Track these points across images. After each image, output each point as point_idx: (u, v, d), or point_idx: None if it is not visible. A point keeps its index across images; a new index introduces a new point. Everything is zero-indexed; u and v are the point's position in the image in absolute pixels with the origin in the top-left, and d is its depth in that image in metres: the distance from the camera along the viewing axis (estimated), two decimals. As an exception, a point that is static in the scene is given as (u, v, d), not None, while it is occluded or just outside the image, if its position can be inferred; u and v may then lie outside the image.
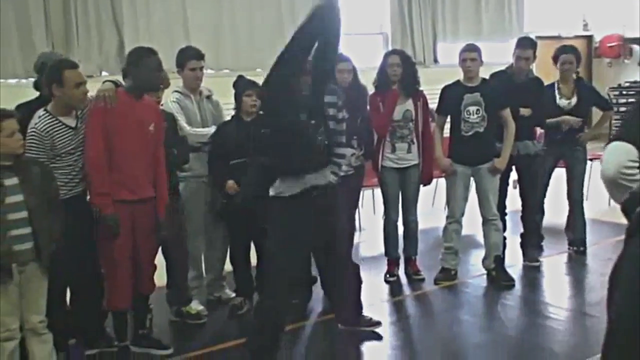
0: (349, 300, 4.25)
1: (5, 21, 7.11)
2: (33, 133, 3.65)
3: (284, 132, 3.74)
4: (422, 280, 5.24)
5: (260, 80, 4.34)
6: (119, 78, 4.15)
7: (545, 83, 5.57)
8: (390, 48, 9.36)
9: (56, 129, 3.70)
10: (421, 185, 5.23)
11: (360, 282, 4.42)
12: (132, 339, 4.14)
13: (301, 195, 3.73)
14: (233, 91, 4.63)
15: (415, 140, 5.07)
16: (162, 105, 4.42)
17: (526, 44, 5.35)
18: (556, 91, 5.60)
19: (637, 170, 2.14)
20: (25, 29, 7.22)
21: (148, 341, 4.13)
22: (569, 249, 5.89)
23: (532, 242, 5.66)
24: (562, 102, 5.57)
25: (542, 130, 5.86)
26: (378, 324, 4.38)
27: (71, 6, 7.43)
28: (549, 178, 5.73)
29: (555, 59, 5.63)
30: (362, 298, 4.54)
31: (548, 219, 5.95)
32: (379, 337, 4.29)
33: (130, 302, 4.00)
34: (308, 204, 3.75)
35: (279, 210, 3.78)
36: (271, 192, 3.80)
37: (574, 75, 5.65)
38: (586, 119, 5.68)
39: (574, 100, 5.58)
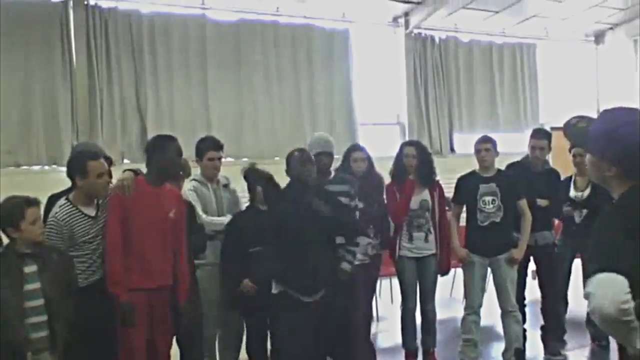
0: None
1: (31, 108, 7.29)
2: (52, 222, 3.70)
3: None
4: (441, 372, 5.12)
5: (281, 168, 4.45)
6: (142, 165, 4.21)
7: (562, 173, 5.58)
8: (407, 138, 9.49)
9: (75, 219, 3.75)
10: (439, 275, 5.19)
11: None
12: None
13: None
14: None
15: (432, 230, 5.07)
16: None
17: (541, 134, 5.40)
18: (572, 183, 5.61)
19: (632, 303, 1.97)
20: (50, 116, 7.39)
21: None
22: (591, 343, 5.75)
23: (553, 335, 5.54)
24: (574, 193, 5.56)
25: (559, 221, 5.83)
26: None
27: (97, 95, 7.64)
28: (570, 269, 5.65)
29: (570, 150, 5.66)
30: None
31: (570, 311, 5.82)
32: None
33: None
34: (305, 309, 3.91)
35: (279, 307, 3.96)
36: (273, 290, 3.99)
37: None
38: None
39: (586, 192, 5.56)
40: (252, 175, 4.63)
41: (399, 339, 5.29)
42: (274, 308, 4.09)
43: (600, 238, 2.16)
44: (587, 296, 2.01)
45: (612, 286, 1.97)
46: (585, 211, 5.50)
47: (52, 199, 3.98)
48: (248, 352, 4.67)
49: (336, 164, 4.90)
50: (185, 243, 4.08)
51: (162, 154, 3.91)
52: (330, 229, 4.10)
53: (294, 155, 4.14)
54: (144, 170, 4.06)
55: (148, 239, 3.84)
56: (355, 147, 5.08)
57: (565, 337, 5.74)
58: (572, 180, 5.62)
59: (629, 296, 1.96)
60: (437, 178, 5.22)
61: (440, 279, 5.24)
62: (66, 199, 3.82)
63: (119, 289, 3.75)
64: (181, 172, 4.26)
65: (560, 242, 5.58)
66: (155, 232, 3.87)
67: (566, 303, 5.71)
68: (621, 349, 2.11)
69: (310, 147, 4.63)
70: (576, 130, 3.30)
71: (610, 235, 2.12)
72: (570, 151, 5.64)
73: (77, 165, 3.77)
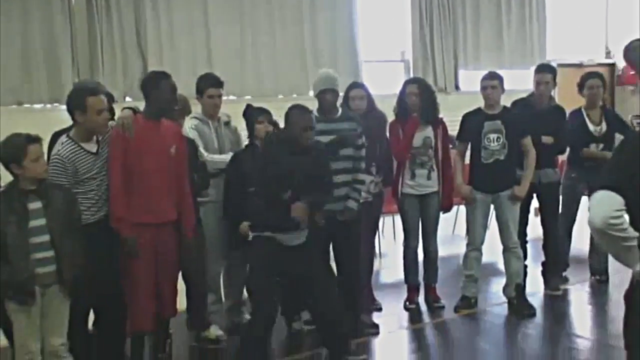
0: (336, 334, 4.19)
1: (32, 47, 7.24)
2: (56, 159, 3.71)
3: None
4: (442, 308, 5.20)
5: (283, 106, 4.42)
6: (142, 104, 4.19)
7: (568, 111, 5.55)
8: (411, 75, 9.39)
9: (78, 155, 3.76)
10: (441, 212, 5.21)
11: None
12: None
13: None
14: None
15: (435, 167, 5.06)
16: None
17: (545, 69, 5.36)
18: (585, 117, 5.57)
19: (624, 219, 2.16)
20: (51, 54, 7.34)
21: None
22: (591, 277, 5.82)
23: (553, 271, 5.60)
24: (591, 127, 5.53)
25: (564, 158, 5.82)
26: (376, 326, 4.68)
27: (97, 33, 7.54)
28: (578, 205, 5.67)
29: (580, 85, 5.61)
30: (382, 326, 4.52)
31: (572, 247, 5.88)
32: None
33: (153, 326, 4.00)
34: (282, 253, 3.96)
35: (254, 244, 4.05)
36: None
37: (600, 102, 5.63)
38: (612, 145, 5.62)
39: (603, 126, 5.54)
40: (252, 113, 4.60)
41: (401, 275, 5.36)
42: (251, 249, 4.13)
43: (615, 157, 2.37)
44: (588, 210, 2.22)
45: (606, 202, 2.17)
46: (602, 145, 5.49)
47: (55, 137, 3.98)
48: (248, 288, 4.74)
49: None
50: (188, 179, 4.08)
51: (157, 90, 3.91)
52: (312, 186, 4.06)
53: (295, 116, 4.01)
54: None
55: (150, 174, 3.87)
56: (354, 85, 5.03)
57: (567, 272, 5.82)
58: (585, 114, 5.58)
59: (620, 213, 2.14)
60: (441, 115, 5.18)
61: (442, 216, 5.27)
62: (67, 136, 3.82)
63: (122, 224, 3.80)
64: (176, 108, 4.21)
65: (571, 178, 5.58)
66: (157, 168, 3.89)
67: (570, 239, 5.76)
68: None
69: (315, 84, 4.60)
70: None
71: (625, 157, 2.32)
72: (580, 85, 5.58)
73: (77, 100, 3.76)
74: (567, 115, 5.53)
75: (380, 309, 5.18)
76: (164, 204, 3.94)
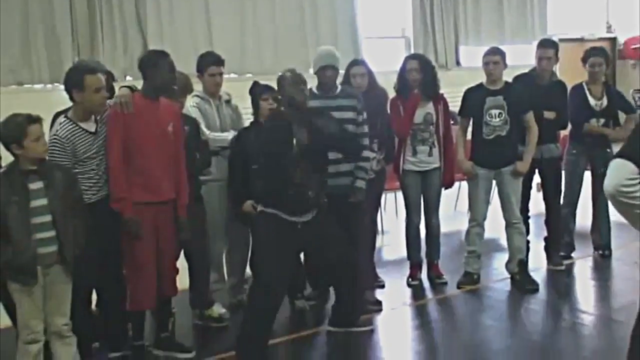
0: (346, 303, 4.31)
1: (32, 27, 7.19)
2: (55, 139, 3.70)
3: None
4: (445, 284, 5.21)
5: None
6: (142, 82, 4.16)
7: (570, 86, 5.52)
8: (412, 51, 9.35)
9: (77, 135, 3.74)
10: (443, 189, 5.21)
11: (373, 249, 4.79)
12: (154, 342, 4.18)
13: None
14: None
15: (436, 144, 5.05)
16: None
17: (547, 44, 5.33)
18: (587, 92, 5.54)
19: (637, 187, 2.23)
20: (51, 34, 7.30)
21: (170, 344, 4.16)
22: (594, 252, 5.83)
23: (556, 246, 5.60)
24: (592, 102, 5.51)
25: (567, 133, 5.80)
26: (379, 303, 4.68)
27: (96, 12, 7.51)
28: (581, 181, 5.65)
29: (584, 60, 5.57)
30: (385, 302, 4.53)
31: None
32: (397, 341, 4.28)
33: (154, 304, 4.02)
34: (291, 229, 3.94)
35: (262, 221, 4.02)
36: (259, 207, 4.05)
37: (602, 78, 5.60)
38: (615, 120, 5.61)
39: (604, 101, 5.52)
40: (257, 90, 4.58)
41: (403, 252, 5.37)
42: (259, 226, 4.12)
43: (637, 128, 2.42)
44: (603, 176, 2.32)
45: (620, 170, 2.26)
46: (602, 120, 5.48)
47: (57, 117, 3.95)
48: (251, 267, 4.75)
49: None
50: (184, 157, 4.07)
51: (155, 68, 3.88)
52: (327, 147, 4.06)
53: (285, 76, 4.02)
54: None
55: (148, 153, 3.85)
56: (354, 62, 4.99)
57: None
58: (587, 88, 5.55)
59: (632, 182, 2.22)
60: (442, 91, 5.15)
61: (444, 192, 5.26)
62: (65, 116, 3.80)
63: (123, 204, 3.79)
64: (176, 87, 4.19)
65: (574, 154, 5.57)
66: (155, 146, 3.86)
67: (574, 217, 5.74)
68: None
69: (315, 61, 4.57)
70: None
71: (638, 127, 2.42)
72: (583, 60, 5.55)
73: (74, 79, 3.73)
74: (569, 90, 5.51)
75: (383, 286, 5.20)
76: (162, 183, 3.92)
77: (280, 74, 4.10)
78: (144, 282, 3.90)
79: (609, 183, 2.28)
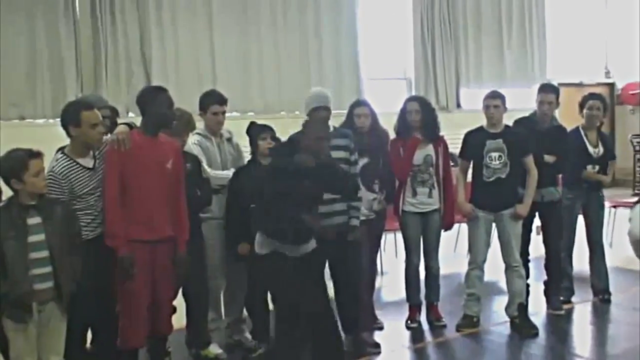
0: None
1: (37, 62, 7.26)
2: (50, 176, 3.67)
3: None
4: (444, 326, 5.16)
5: (286, 123, 4.43)
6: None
7: (568, 129, 5.56)
8: (413, 93, 9.43)
9: (73, 171, 3.74)
10: (442, 230, 5.20)
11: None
12: None
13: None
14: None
15: (436, 185, 5.05)
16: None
17: (549, 89, 5.37)
18: (584, 138, 5.57)
19: None
20: (55, 69, 7.36)
21: None
22: (593, 297, 5.79)
23: (556, 290, 5.57)
24: (591, 149, 5.54)
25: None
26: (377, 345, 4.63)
27: (101, 48, 7.60)
28: (575, 226, 5.66)
29: (581, 105, 5.61)
30: (383, 344, 4.48)
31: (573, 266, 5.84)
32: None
33: (143, 342, 3.97)
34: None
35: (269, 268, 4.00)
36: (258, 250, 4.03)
37: (598, 123, 5.64)
38: (606, 168, 5.64)
39: (600, 149, 5.56)
40: (255, 130, 4.60)
41: (403, 293, 5.32)
42: (264, 269, 4.08)
43: None
44: (629, 221, 2.36)
45: None
46: (597, 167, 5.51)
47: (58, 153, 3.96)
48: (248, 304, 4.72)
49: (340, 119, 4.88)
50: (184, 194, 4.06)
51: (153, 104, 3.89)
52: (324, 187, 4.06)
53: (313, 125, 4.08)
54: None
55: (146, 190, 3.84)
56: (358, 103, 5.02)
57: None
58: (584, 134, 5.58)
59: None
60: (442, 133, 5.17)
61: (444, 234, 5.25)
62: (62, 152, 3.80)
63: (117, 242, 3.76)
64: (175, 122, 4.19)
65: (569, 198, 5.58)
66: (153, 183, 3.86)
67: (571, 262, 5.72)
68: None
69: (307, 102, 4.55)
70: None
71: None
72: (581, 105, 5.59)
73: (71, 115, 3.74)
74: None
75: (381, 328, 5.15)
76: (160, 220, 3.90)
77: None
78: (134, 320, 3.86)
79: (635, 228, 2.31)
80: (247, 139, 4.75)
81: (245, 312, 4.86)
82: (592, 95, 5.68)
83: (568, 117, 5.73)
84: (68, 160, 3.76)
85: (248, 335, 4.87)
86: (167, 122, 4.01)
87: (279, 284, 3.98)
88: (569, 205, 5.57)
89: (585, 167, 5.55)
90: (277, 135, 4.63)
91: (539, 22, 11.05)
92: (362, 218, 4.68)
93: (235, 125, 5.01)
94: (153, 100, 3.91)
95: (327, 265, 4.52)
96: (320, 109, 4.46)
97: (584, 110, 5.59)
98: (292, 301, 3.90)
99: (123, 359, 4.03)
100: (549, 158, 5.24)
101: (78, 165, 3.77)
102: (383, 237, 5.53)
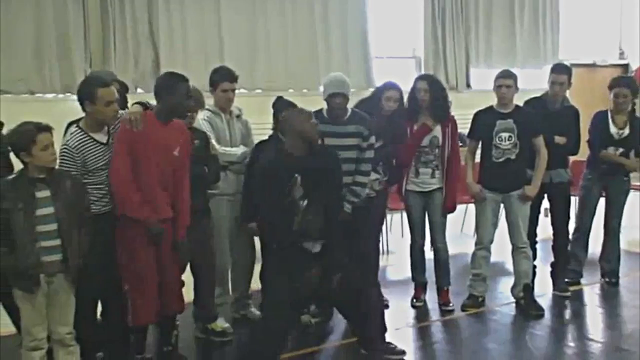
0: (372, 324, 4.19)
1: (44, 37, 7.25)
2: (65, 149, 3.71)
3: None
4: (452, 311, 5.13)
5: (294, 101, 4.41)
6: (152, 96, 4.14)
7: (583, 110, 5.49)
8: (422, 72, 9.35)
9: (87, 146, 3.75)
10: (444, 214, 5.12)
11: (383, 305, 4.48)
12: (157, 356, 4.15)
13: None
14: (264, 111, 4.66)
15: (439, 166, 5.00)
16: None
17: (561, 69, 5.30)
18: (609, 119, 5.50)
19: None
20: (63, 44, 7.34)
21: (173, 358, 4.14)
22: (601, 279, 5.79)
23: (562, 272, 5.57)
24: (614, 130, 5.47)
25: (582, 159, 5.76)
26: (402, 353, 4.30)
27: (109, 24, 7.56)
28: (595, 209, 5.61)
29: (610, 88, 5.52)
30: (388, 322, 4.50)
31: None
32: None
33: (155, 319, 4.00)
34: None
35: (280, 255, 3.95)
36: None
37: (628, 108, 5.54)
38: (636, 150, 5.54)
39: (626, 131, 5.46)
40: (280, 106, 4.56)
41: (408, 272, 5.33)
42: (273, 263, 4.07)
43: None
44: None
45: None
46: (620, 149, 5.45)
47: (70, 126, 3.96)
48: (262, 278, 4.75)
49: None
50: (188, 182, 4.03)
51: (172, 94, 3.86)
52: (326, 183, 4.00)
53: (296, 116, 3.95)
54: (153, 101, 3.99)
55: (152, 173, 3.83)
56: (390, 85, 4.85)
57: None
58: (610, 115, 5.51)
59: None
60: (452, 113, 5.12)
61: (451, 214, 5.22)
62: (77, 126, 3.81)
63: (145, 213, 3.78)
64: (188, 114, 4.19)
65: (588, 179, 5.55)
66: (160, 169, 3.85)
67: (586, 246, 5.70)
68: None
69: (325, 86, 4.52)
70: None
71: None
72: (609, 88, 5.51)
73: (87, 91, 3.74)
74: (592, 115, 5.50)
75: (387, 306, 5.16)
76: (162, 203, 3.89)
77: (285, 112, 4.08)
78: (144, 297, 3.88)
79: None
80: (254, 115, 4.74)
81: (251, 287, 4.89)
82: (619, 80, 5.58)
83: (580, 98, 5.67)
84: (82, 134, 3.76)
85: (254, 310, 4.91)
86: (182, 112, 4.00)
87: (280, 270, 3.93)
88: (587, 186, 5.55)
89: (606, 148, 5.48)
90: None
91: (551, 1, 10.92)
92: (356, 202, 4.64)
93: (242, 102, 4.99)
94: (172, 90, 3.85)
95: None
96: (337, 95, 4.42)
97: (611, 96, 5.52)
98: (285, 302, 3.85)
99: (133, 333, 4.08)
100: (559, 139, 5.20)
101: (92, 140, 3.77)
102: (389, 216, 5.53)
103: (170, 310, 4.07)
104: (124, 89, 4.56)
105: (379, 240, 5.27)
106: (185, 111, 4.03)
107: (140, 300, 3.89)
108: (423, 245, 5.21)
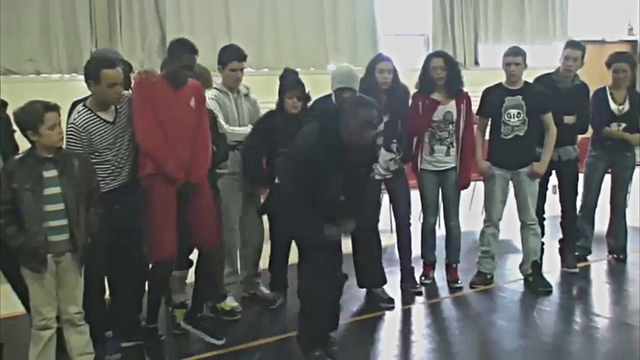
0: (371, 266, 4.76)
1: (51, 17, 7.23)
2: (71, 128, 3.71)
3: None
4: (460, 289, 5.15)
5: (302, 79, 4.39)
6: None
7: (591, 87, 5.46)
8: (431, 50, 9.28)
9: (93, 125, 3.75)
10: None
11: (380, 250, 4.98)
12: (188, 318, 4.22)
13: None
14: (271, 90, 4.63)
15: (454, 143, 4.99)
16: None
17: (575, 45, 5.26)
18: (609, 96, 5.48)
19: None
20: (70, 24, 7.33)
21: (203, 325, 4.21)
22: (608, 256, 5.78)
23: (571, 249, 5.57)
24: (614, 106, 5.46)
25: (588, 136, 5.74)
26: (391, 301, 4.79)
27: (116, 3, 7.54)
28: (600, 185, 5.62)
29: (608, 64, 5.51)
30: (397, 299, 4.51)
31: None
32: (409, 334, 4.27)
33: (174, 253, 3.95)
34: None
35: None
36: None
37: (627, 83, 5.52)
38: (637, 125, 5.52)
39: (626, 106, 5.46)
40: (286, 81, 4.54)
41: (418, 250, 5.32)
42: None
43: None
44: None
45: None
46: (623, 125, 5.43)
47: (75, 106, 3.96)
48: (271, 256, 4.77)
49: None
50: (207, 132, 4.09)
51: (171, 62, 3.91)
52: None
53: (358, 114, 3.65)
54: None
55: (172, 133, 3.86)
56: (381, 58, 4.84)
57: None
58: (608, 92, 5.49)
59: None
60: (465, 90, 5.08)
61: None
62: (83, 104, 3.81)
63: (182, 173, 3.86)
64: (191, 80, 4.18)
65: (593, 156, 5.53)
66: (179, 127, 3.89)
67: (593, 222, 5.70)
68: None
69: (335, 78, 4.50)
70: None
71: None
72: (607, 64, 5.48)
73: (92, 71, 3.74)
74: (592, 93, 5.46)
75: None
76: (184, 163, 3.92)
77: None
78: (165, 231, 3.86)
79: None
80: (262, 94, 4.71)
81: (260, 265, 4.91)
82: (617, 56, 5.56)
83: (590, 75, 5.62)
84: (89, 113, 3.76)
85: (263, 289, 4.93)
86: (181, 81, 3.95)
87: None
88: (591, 163, 5.54)
89: (609, 124, 5.47)
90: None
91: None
92: (379, 178, 4.66)
93: (249, 80, 4.97)
94: (177, 55, 3.89)
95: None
96: (345, 90, 4.39)
97: (610, 72, 5.48)
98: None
99: (147, 299, 4.09)
100: (568, 119, 5.18)
101: (99, 119, 3.77)
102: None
103: (206, 247, 4.09)
104: (128, 68, 4.55)
105: (409, 217, 5.09)
106: (182, 82, 3.96)
107: (161, 235, 3.87)
108: (435, 224, 5.21)
